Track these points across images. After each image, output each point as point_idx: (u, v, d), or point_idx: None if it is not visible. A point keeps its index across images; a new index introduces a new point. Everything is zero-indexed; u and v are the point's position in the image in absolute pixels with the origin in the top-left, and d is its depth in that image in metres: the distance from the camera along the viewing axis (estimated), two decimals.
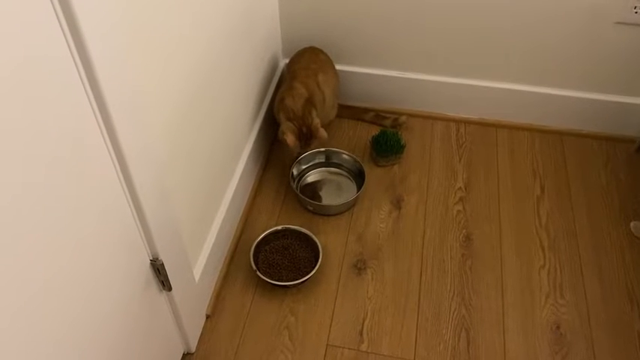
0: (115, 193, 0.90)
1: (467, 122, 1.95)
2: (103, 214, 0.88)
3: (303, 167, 1.78)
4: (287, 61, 1.85)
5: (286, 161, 1.78)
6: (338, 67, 1.83)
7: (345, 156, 1.77)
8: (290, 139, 1.59)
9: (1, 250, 0.65)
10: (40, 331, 0.76)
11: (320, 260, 1.50)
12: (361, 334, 1.42)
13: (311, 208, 1.67)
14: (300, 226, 1.58)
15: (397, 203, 1.71)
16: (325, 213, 1.67)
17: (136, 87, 0.88)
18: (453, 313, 1.46)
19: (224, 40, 1.34)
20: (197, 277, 1.33)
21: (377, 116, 1.92)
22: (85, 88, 0.77)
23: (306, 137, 1.62)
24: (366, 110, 1.94)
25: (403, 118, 1.89)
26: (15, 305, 0.70)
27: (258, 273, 1.47)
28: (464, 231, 1.64)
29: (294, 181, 1.72)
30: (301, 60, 1.73)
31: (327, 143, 1.79)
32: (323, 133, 1.61)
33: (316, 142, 1.65)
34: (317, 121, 1.61)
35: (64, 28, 0.70)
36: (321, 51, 1.78)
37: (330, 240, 1.61)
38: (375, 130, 1.86)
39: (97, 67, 0.75)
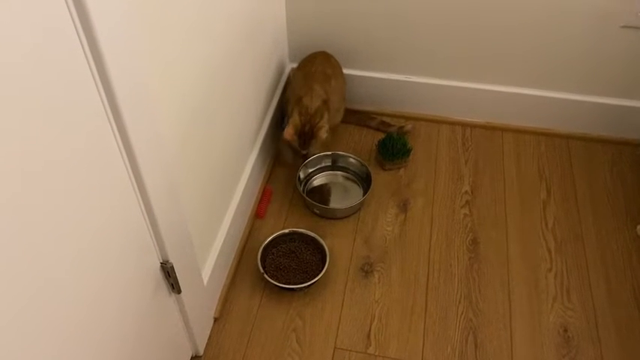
0: (126, 194, 0.91)
1: (473, 126, 1.95)
2: (114, 216, 0.88)
3: (310, 171, 1.78)
4: (294, 65, 1.86)
5: (292, 162, 1.78)
6: (344, 71, 1.84)
7: (351, 159, 1.78)
8: (288, 132, 1.61)
9: (8, 251, 0.65)
10: (48, 332, 0.76)
11: (327, 263, 1.51)
12: (368, 337, 1.43)
13: (318, 212, 1.68)
14: (307, 230, 1.58)
15: (404, 207, 1.71)
16: (332, 216, 1.68)
17: (146, 87, 0.89)
18: (460, 317, 1.46)
19: (231, 43, 1.35)
20: (205, 279, 1.34)
21: (382, 123, 1.92)
22: (96, 84, 0.77)
23: (307, 136, 1.63)
24: (372, 117, 1.94)
25: (409, 127, 1.89)
26: (23, 306, 0.70)
27: (265, 276, 1.48)
28: (470, 234, 1.64)
29: (300, 185, 1.73)
30: (315, 62, 1.74)
31: (333, 147, 1.80)
32: (323, 133, 1.62)
33: (317, 144, 1.66)
34: (323, 123, 1.62)
35: (74, 19, 0.70)
36: (331, 56, 1.79)
37: (337, 243, 1.62)
38: (381, 134, 1.87)
39: (108, 65, 0.76)
